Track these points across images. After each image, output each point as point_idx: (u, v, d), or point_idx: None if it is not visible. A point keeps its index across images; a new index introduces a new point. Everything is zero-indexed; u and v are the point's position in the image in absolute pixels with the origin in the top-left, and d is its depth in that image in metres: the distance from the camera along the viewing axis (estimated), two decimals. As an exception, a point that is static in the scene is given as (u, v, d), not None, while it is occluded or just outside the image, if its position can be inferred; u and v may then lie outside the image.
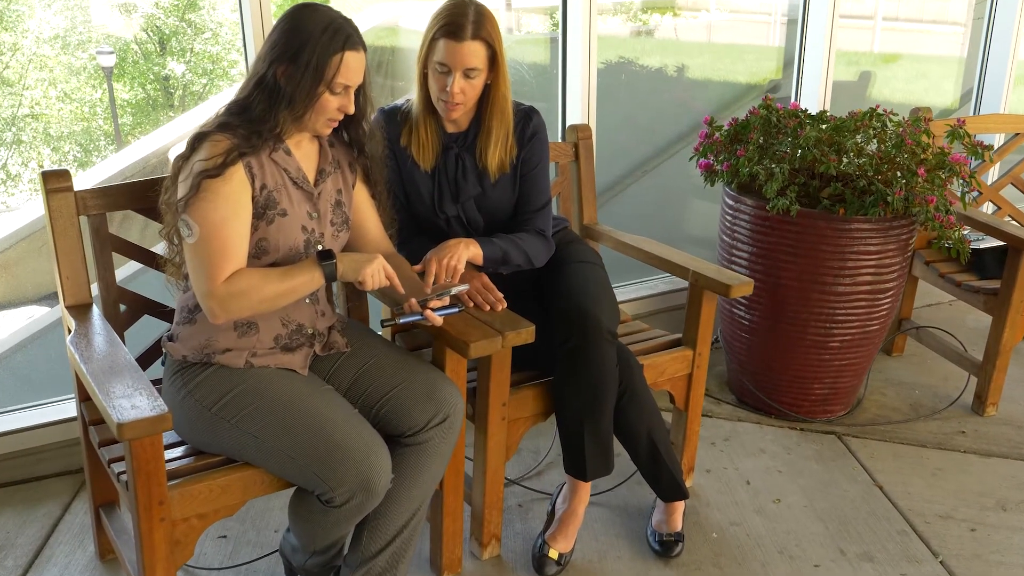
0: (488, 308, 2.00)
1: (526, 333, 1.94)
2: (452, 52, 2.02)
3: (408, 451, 1.87)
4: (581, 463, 2.15)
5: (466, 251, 2.03)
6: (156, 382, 2.08)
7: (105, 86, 17.08)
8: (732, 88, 4.09)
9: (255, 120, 1.77)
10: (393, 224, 2.12)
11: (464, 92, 2.06)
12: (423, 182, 2.20)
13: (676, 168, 3.79)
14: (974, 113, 4.14)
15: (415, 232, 2.26)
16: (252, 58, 2.44)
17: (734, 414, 3.02)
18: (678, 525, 2.30)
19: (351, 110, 1.83)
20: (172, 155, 2.17)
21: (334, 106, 1.80)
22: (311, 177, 1.89)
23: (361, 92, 1.88)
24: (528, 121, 2.21)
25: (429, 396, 1.87)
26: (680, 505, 2.32)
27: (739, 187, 2.87)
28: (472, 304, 2.01)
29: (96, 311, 2.00)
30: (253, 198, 1.77)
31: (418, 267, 2.01)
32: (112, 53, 16.80)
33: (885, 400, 3.15)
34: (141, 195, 2.02)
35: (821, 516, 2.47)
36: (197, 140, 1.75)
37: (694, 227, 4.11)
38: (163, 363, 1.95)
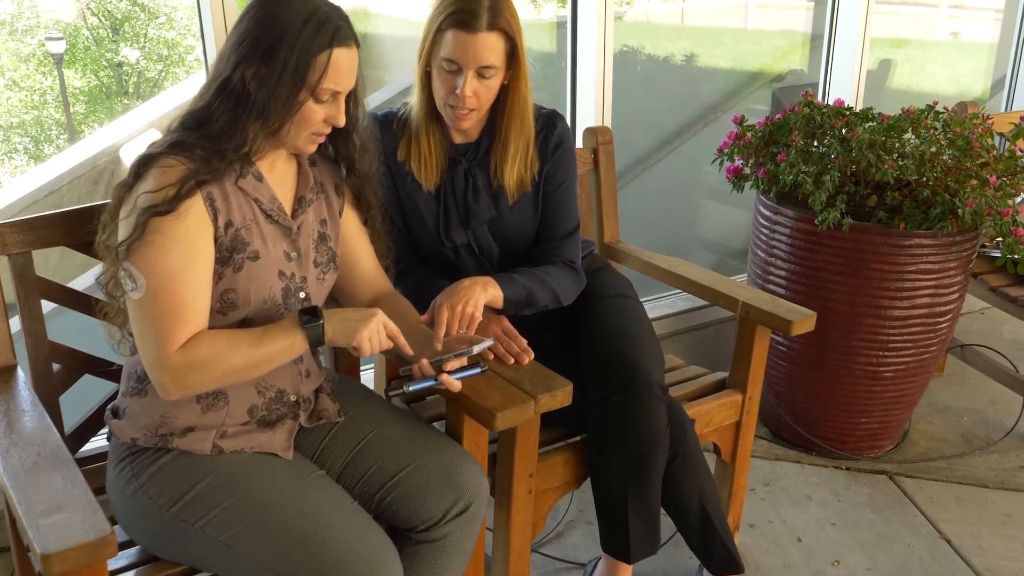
0: (512, 361, 1.62)
1: (562, 395, 1.56)
2: (463, 46, 1.63)
3: (422, 550, 1.50)
4: (624, 543, 1.78)
5: (483, 294, 1.65)
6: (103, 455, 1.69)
7: (56, 73, 16.39)
8: (736, 76, 3.74)
9: (217, 137, 1.37)
10: (389, 255, 1.73)
11: (478, 95, 1.67)
12: (425, 204, 1.81)
13: (679, 164, 3.43)
14: (1007, 105, 3.82)
15: (415, 263, 1.87)
16: (212, 53, 2.03)
17: (770, 451, 2.67)
18: (732, 604, 1.95)
19: (341, 121, 1.44)
20: (125, 154, 1.72)
21: (320, 117, 1.41)
22: (288, 207, 1.50)
23: (352, 98, 1.49)
24: (552, 128, 1.82)
25: (447, 480, 1.50)
26: (731, 579, 1.97)
27: (778, 196, 2.51)
28: (492, 356, 1.62)
29: (21, 376, 1.59)
30: (216, 239, 1.38)
31: (425, 316, 1.63)
32: (62, 39, 16.08)
33: (933, 430, 2.82)
34: (75, 228, 1.61)
35: (890, 582, 2.13)
36: (142, 165, 1.34)
37: (702, 230, 3.75)
38: (108, 438, 1.55)
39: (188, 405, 1.43)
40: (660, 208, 3.56)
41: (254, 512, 1.36)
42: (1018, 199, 3.06)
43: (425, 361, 1.47)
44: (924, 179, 2.34)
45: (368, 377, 2.17)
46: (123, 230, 1.32)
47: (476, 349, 1.49)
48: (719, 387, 2.10)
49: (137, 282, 1.31)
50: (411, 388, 1.46)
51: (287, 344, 1.37)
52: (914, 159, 2.31)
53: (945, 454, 2.68)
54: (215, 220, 1.36)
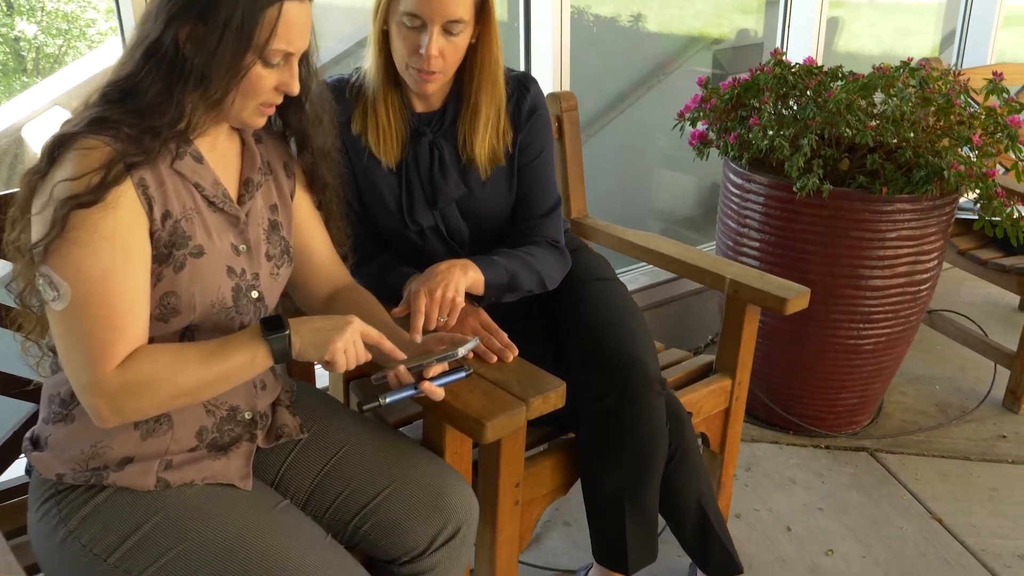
0: (495, 359, 1.43)
1: (555, 396, 1.38)
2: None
3: (406, 585, 1.30)
4: (621, 553, 1.62)
5: (463, 278, 1.45)
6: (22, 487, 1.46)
7: (-55, 51, 15.42)
8: (678, 39, 3.58)
9: (147, 111, 1.14)
10: (346, 242, 1.51)
11: (444, 55, 1.46)
12: (386, 182, 1.59)
13: (625, 130, 3.26)
14: (958, 62, 3.75)
15: (375, 250, 1.65)
16: (130, 17, 1.77)
17: (747, 433, 2.54)
18: (732, 607, 1.81)
19: (295, 88, 1.22)
20: (29, 134, 1.54)
21: (270, 84, 1.19)
22: (233, 192, 1.27)
23: (304, 61, 1.26)
24: (524, 93, 1.63)
25: (432, 503, 1.30)
26: (730, 580, 1.83)
27: (750, 163, 2.36)
28: (472, 355, 1.43)
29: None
30: (152, 233, 1.15)
31: (400, 308, 1.43)
32: (-50, 14, 15.12)
33: (907, 401, 2.73)
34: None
35: (886, 570, 2.02)
36: (57, 147, 1.10)
37: (648, 198, 3.60)
38: (28, 472, 1.31)
39: (124, 432, 1.20)
40: (606, 176, 3.39)
41: (211, 557, 1.15)
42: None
43: (402, 368, 1.27)
44: (905, 141, 2.22)
45: (328, 382, 1.95)
46: (38, 227, 1.08)
47: (461, 351, 1.29)
48: (705, 372, 1.95)
49: (59, 289, 1.07)
50: (388, 400, 1.26)
51: (246, 360, 1.15)
52: (895, 119, 2.18)
53: (922, 426, 2.60)
54: (150, 211, 1.13)
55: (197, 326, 1.22)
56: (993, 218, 2.29)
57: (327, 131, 1.40)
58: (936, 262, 2.36)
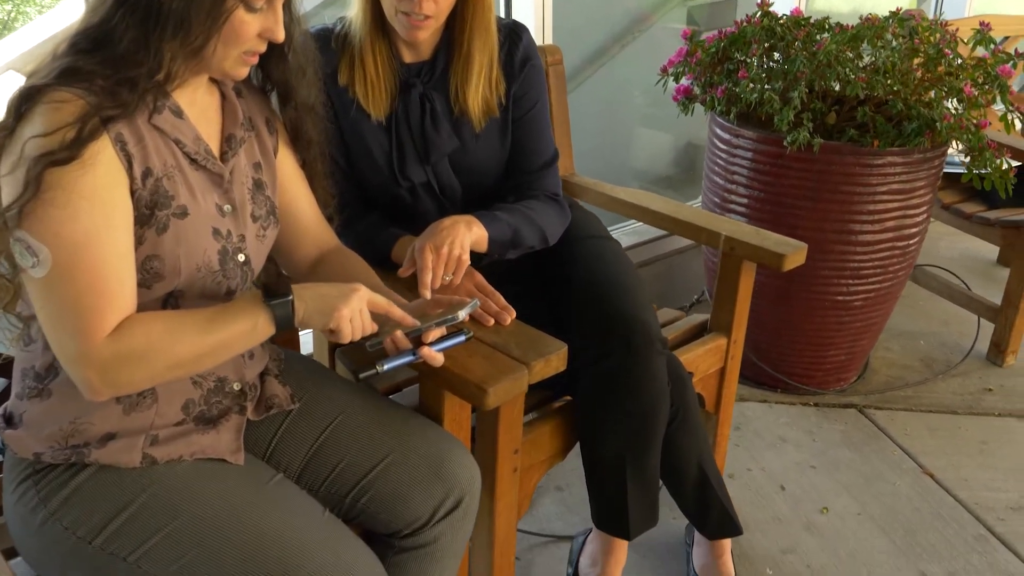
0: (492, 322, 1.37)
1: (557, 359, 1.33)
2: None
3: (408, 558, 1.25)
4: (622, 518, 1.57)
5: (468, 234, 1.40)
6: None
7: None
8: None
9: (122, 60, 1.05)
10: (331, 202, 1.43)
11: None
12: (374, 137, 1.52)
13: (601, 86, 3.19)
14: (936, 13, 3.71)
15: (363, 210, 1.58)
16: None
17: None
18: (731, 570, 1.78)
19: (280, 35, 1.14)
20: None
21: (253, 31, 1.11)
22: (215, 149, 1.19)
23: (288, 8, 1.18)
24: (516, 41, 1.55)
25: (433, 472, 1.25)
26: (729, 543, 1.80)
27: (737, 117, 2.30)
28: (468, 318, 1.36)
29: None
30: (132, 193, 1.06)
31: (406, 267, 1.37)
32: None
33: (893, 357, 2.72)
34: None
35: (882, 526, 2.00)
36: (25, 101, 1.01)
37: (625, 155, 3.54)
38: (1, 451, 1.23)
39: (106, 407, 1.13)
40: (583, 134, 3.32)
41: (204, 537, 1.08)
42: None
43: (400, 333, 1.20)
44: (894, 92, 2.17)
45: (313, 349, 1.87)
46: (9, 189, 1.00)
47: (462, 313, 1.22)
48: (700, 331, 1.90)
49: (39, 255, 0.99)
50: (386, 367, 1.20)
51: (247, 327, 1.08)
52: (887, 70, 2.13)
53: (909, 381, 2.59)
54: (129, 168, 1.05)
55: (182, 292, 1.14)
56: (982, 170, 2.26)
57: (311, 83, 1.32)
58: (924, 216, 2.33)
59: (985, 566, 1.90)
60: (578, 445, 1.60)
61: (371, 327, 1.16)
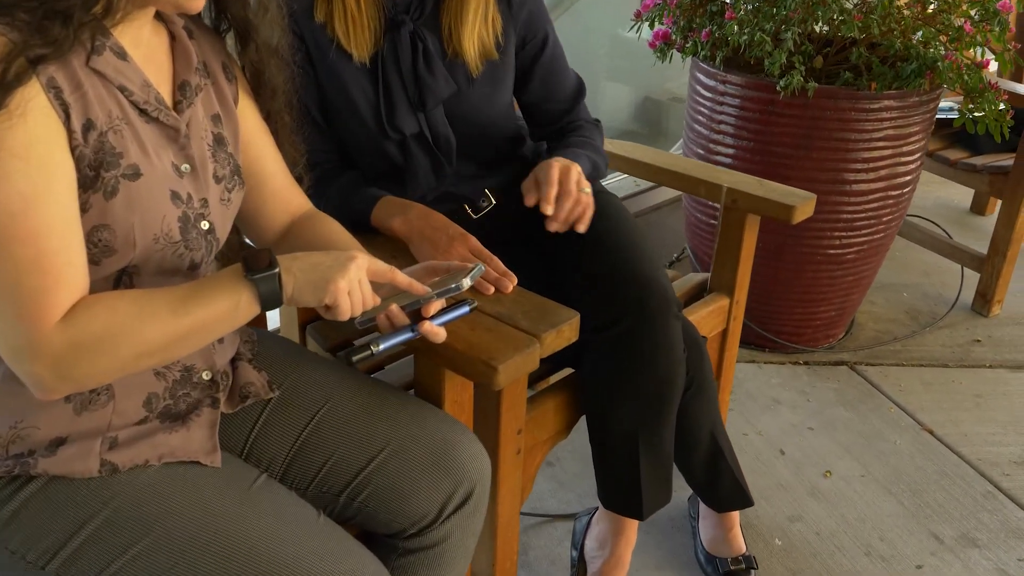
0: (492, 290, 1.22)
1: (569, 329, 1.18)
2: None
3: (414, 561, 1.11)
4: (634, 497, 1.44)
5: (575, 171, 1.31)
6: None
7: None
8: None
9: (51, -11, 0.86)
10: (300, 161, 1.26)
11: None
12: (357, 82, 1.34)
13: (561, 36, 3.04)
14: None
15: (336, 169, 1.41)
16: None
17: (722, 353, 2.39)
18: (742, 544, 1.67)
19: None
20: None
21: (210, -48, 0.92)
22: (168, 98, 1.01)
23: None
24: None
25: (438, 463, 1.10)
26: (737, 515, 1.69)
27: (726, 62, 2.16)
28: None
29: None
30: (73, 150, 0.88)
31: (531, 198, 1.29)
32: None
33: (878, 311, 2.63)
34: None
35: (888, 487, 1.91)
36: (-69, 37, 0.82)
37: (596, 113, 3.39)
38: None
39: (53, 406, 0.95)
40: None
41: (180, 555, 0.92)
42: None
43: (395, 306, 1.04)
44: (891, 31, 2.05)
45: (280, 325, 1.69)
46: None
47: (466, 281, 1.06)
48: (699, 292, 1.77)
49: None
50: (382, 347, 1.04)
51: (228, 306, 0.91)
52: (883, 8, 2.00)
53: (897, 335, 2.50)
54: (67, 121, 0.87)
55: (137, 267, 0.96)
56: (976, 114, 2.16)
57: (274, 21, 1.13)
58: (917, 163, 2.23)
59: (997, 524, 1.82)
60: (582, 420, 1.46)
61: (372, 300, 1.00)
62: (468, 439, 1.13)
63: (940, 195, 3.36)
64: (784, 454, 2.01)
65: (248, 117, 1.15)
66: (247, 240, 1.30)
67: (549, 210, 1.24)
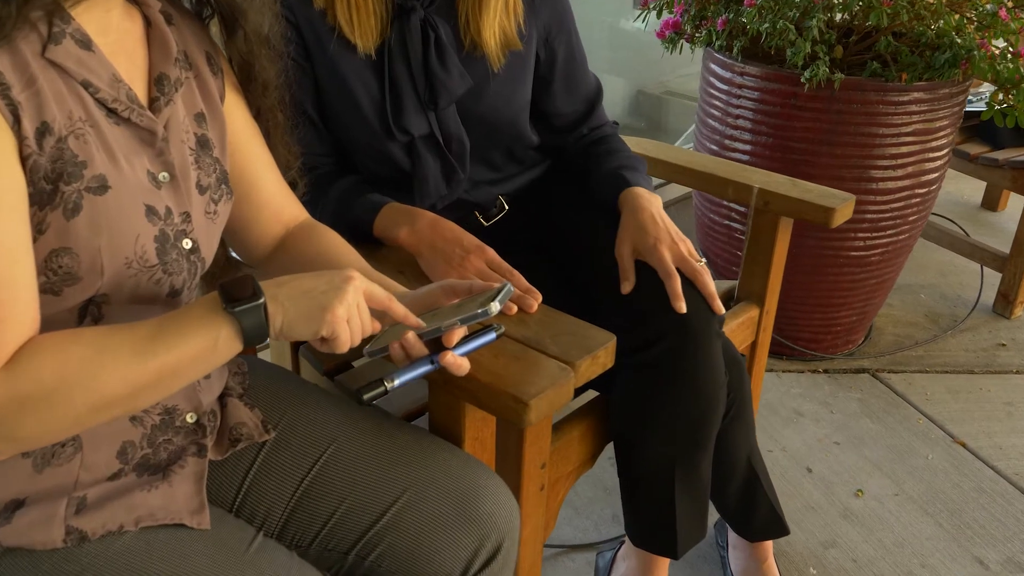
0: (515, 309, 1.07)
1: (605, 354, 1.04)
2: None
3: (435, 629, 0.96)
4: (668, 533, 1.30)
5: (683, 247, 1.25)
6: None
7: None
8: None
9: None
10: (295, 163, 1.11)
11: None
12: (360, 77, 1.18)
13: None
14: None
15: (333, 174, 1.25)
16: None
17: (737, 361, 2.26)
18: (777, 575, 1.53)
19: None
20: None
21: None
22: (142, 94, 0.86)
23: None
24: None
25: (461, 513, 0.95)
26: (771, 544, 1.55)
27: (743, 52, 2.02)
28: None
29: None
30: (25, 160, 0.73)
31: (628, 284, 1.23)
32: None
33: (896, 314, 2.50)
34: None
35: (924, 507, 1.79)
36: None
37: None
38: None
39: (8, 462, 0.80)
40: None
41: (164, 642, 0.77)
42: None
43: (412, 335, 0.89)
44: (917, 17, 1.92)
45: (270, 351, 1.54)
46: None
47: (495, 306, 0.91)
48: (726, 301, 1.63)
49: None
50: (398, 382, 0.89)
51: (205, 345, 0.76)
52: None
53: (918, 340, 2.38)
54: (16, 125, 0.71)
55: (106, 297, 0.81)
56: (1005, 105, 2.03)
57: (265, 5, 0.98)
58: (945, 160, 2.10)
59: (1044, 548, 1.70)
60: (608, 448, 1.32)
61: (372, 326, 0.85)
62: (494, 484, 0.99)
63: (950, 190, 3.24)
64: (811, 472, 1.88)
65: (236, 116, 1.00)
66: (233, 254, 1.16)
67: (683, 308, 1.16)
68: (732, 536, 1.57)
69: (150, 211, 0.82)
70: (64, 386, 0.71)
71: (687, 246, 1.21)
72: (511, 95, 1.24)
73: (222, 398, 0.98)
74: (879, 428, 2.02)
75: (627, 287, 1.19)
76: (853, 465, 1.90)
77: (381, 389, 0.88)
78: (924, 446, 1.97)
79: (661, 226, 1.20)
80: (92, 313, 0.82)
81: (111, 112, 0.81)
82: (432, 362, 0.90)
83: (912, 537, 1.71)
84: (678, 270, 1.18)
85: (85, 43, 0.79)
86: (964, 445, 1.98)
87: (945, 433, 2.01)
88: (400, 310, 0.86)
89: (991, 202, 3.17)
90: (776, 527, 1.49)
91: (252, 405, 1.00)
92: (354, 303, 0.80)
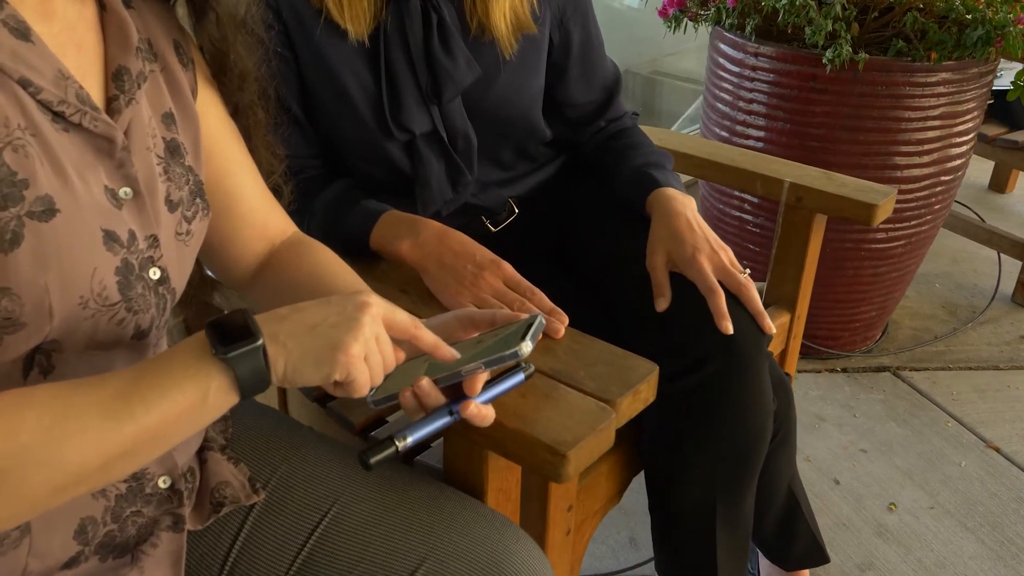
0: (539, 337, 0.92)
1: (647, 389, 0.90)
2: None
3: None
4: (707, 574, 1.16)
5: (724, 256, 1.10)
6: None
7: None
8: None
9: None
10: (278, 166, 0.95)
11: None
12: (351, 68, 1.02)
13: None
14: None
15: (323, 177, 1.10)
16: None
17: (750, 362, 2.13)
18: (816, 607, 1.41)
19: None
20: None
21: None
22: (97, 94, 0.70)
23: None
24: None
25: (489, 583, 0.80)
26: (808, 573, 1.42)
27: (757, 32, 1.87)
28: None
29: None
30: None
31: (663, 302, 1.08)
32: None
33: (911, 306, 2.38)
34: None
35: (963, 521, 1.66)
36: None
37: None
38: None
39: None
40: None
41: None
42: None
43: (426, 382, 0.74)
44: (947, -6, 1.78)
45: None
46: None
47: (527, 346, 0.76)
48: (752, 306, 1.49)
49: None
50: (411, 440, 0.74)
51: (192, 400, 0.61)
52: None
53: (937, 333, 2.26)
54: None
55: (57, 344, 0.66)
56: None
57: (241, -13, 0.82)
58: (970, 145, 1.97)
59: (1093, 564, 1.58)
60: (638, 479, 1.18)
61: (394, 361, 0.70)
62: (522, 543, 0.85)
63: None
64: (839, 484, 1.75)
65: (211, 114, 0.84)
66: (209, 273, 1.00)
67: (730, 328, 1.01)
68: (763, 561, 1.44)
69: (109, 237, 0.67)
70: (16, 464, 0.56)
71: (728, 255, 1.06)
72: (523, 85, 1.09)
73: (201, 452, 0.83)
74: (906, 433, 1.90)
75: (663, 304, 1.04)
76: (883, 475, 1.77)
77: (392, 450, 0.73)
78: (956, 452, 1.84)
79: (699, 233, 1.06)
80: (40, 364, 0.66)
81: (57, 116, 0.65)
82: (451, 413, 0.75)
83: (953, 556, 1.59)
84: (720, 284, 1.04)
85: (22, 32, 0.63)
86: (998, 450, 1.86)
87: (977, 437, 1.89)
88: (429, 339, 0.71)
89: (999, 184, 3.05)
90: (816, 555, 1.36)
91: (237, 459, 0.84)
92: (372, 336, 0.65)
